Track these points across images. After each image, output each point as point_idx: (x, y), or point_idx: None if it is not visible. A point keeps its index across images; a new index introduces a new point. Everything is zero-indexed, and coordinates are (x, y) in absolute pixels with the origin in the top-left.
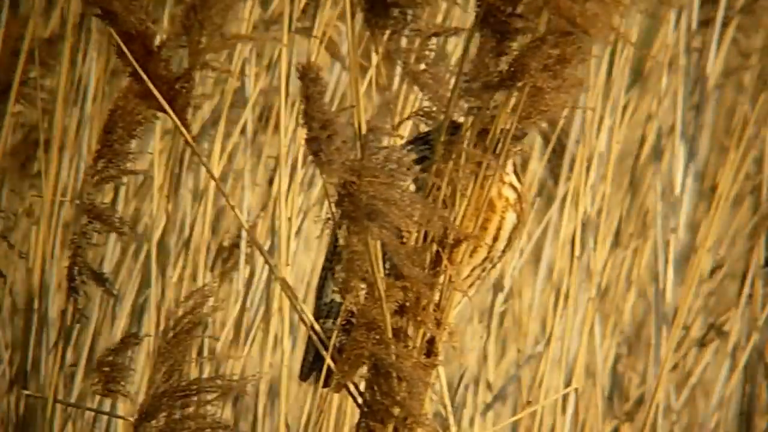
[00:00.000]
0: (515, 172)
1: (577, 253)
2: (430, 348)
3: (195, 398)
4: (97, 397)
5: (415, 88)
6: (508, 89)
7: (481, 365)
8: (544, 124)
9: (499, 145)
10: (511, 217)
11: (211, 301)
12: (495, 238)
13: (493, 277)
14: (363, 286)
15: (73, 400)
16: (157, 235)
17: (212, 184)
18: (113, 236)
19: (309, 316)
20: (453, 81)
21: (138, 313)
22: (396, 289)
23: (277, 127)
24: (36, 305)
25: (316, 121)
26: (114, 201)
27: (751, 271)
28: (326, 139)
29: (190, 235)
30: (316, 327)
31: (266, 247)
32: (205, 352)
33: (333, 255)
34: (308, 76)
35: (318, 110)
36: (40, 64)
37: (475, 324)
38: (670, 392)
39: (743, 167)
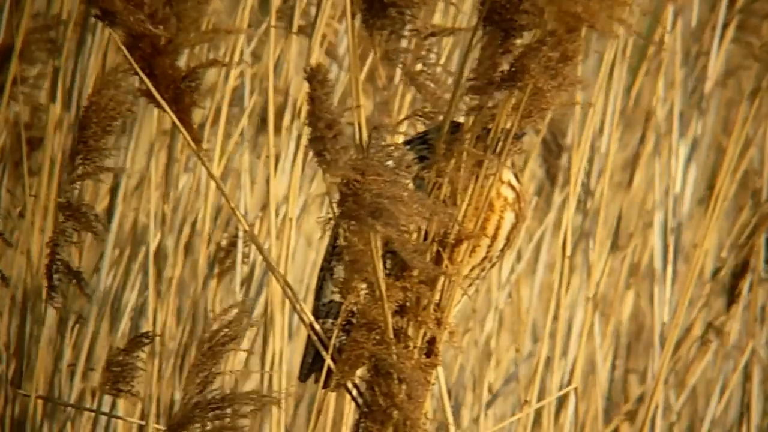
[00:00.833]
0: (514, 172)
1: (572, 253)
2: (430, 348)
3: (228, 410)
4: (96, 398)
5: (413, 87)
6: (510, 89)
7: (480, 365)
8: (541, 126)
9: (500, 145)
10: (509, 217)
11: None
12: (494, 238)
13: (492, 276)
14: (363, 286)
15: (72, 401)
16: (155, 235)
17: (212, 183)
18: (112, 236)
19: (309, 316)
20: (451, 81)
21: (137, 313)
22: (396, 289)
23: (275, 127)
24: (31, 305)
25: (322, 121)
26: (112, 201)
27: (750, 270)
28: (331, 139)
29: (190, 235)
30: (316, 327)
31: (265, 247)
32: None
33: (332, 255)
34: (316, 78)
35: (324, 111)
36: (35, 61)
37: (474, 323)
38: (670, 392)
39: (741, 166)
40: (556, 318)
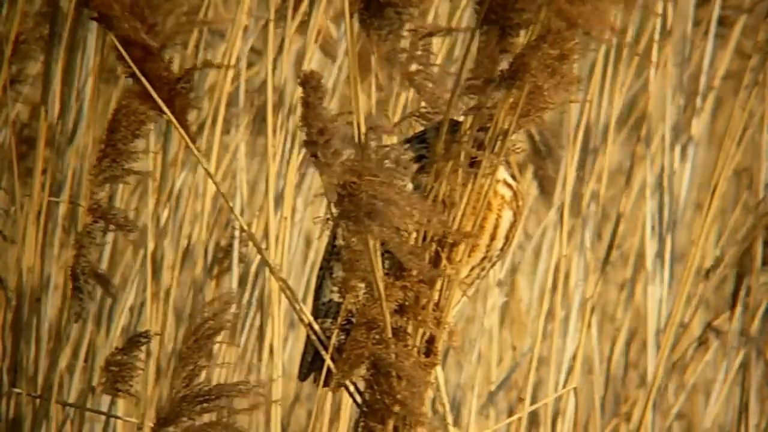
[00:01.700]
0: (510, 170)
1: (569, 252)
2: (429, 347)
3: (214, 404)
4: (94, 397)
5: (410, 87)
6: (509, 87)
7: (479, 364)
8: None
9: (498, 144)
10: (507, 215)
11: (233, 308)
12: (492, 237)
13: (491, 275)
14: (362, 285)
15: (71, 400)
16: (153, 236)
17: (209, 183)
18: (110, 236)
19: (308, 316)
20: (448, 80)
21: (136, 313)
22: (395, 288)
23: (272, 127)
24: (29, 304)
25: (315, 126)
26: (110, 201)
27: (748, 270)
28: (323, 144)
29: (188, 235)
30: (315, 327)
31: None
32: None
33: (331, 255)
34: (310, 83)
35: (317, 116)
36: (30, 60)
37: (473, 323)
38: (669, 392)
39: (732, 162)
40: (553, 318)
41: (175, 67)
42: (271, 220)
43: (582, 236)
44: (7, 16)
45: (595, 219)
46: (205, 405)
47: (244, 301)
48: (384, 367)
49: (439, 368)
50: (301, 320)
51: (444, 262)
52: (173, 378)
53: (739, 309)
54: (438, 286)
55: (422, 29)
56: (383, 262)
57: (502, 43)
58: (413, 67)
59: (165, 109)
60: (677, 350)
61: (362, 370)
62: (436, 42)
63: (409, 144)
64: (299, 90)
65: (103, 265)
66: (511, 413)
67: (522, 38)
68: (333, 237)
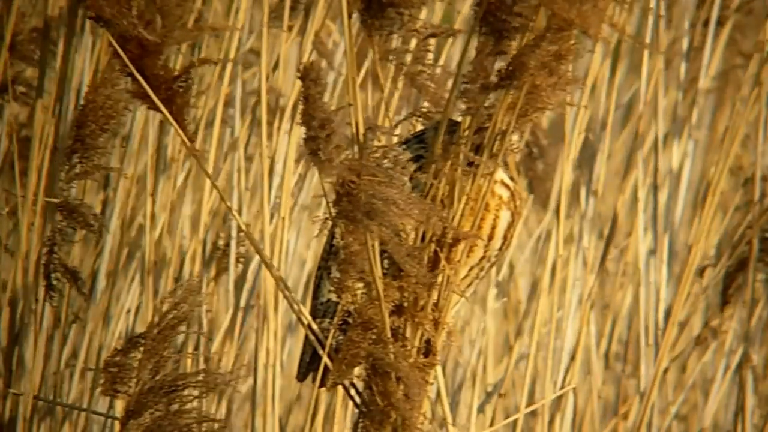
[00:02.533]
0: (508, 170)
1: (566, 252)
2: (428, 347)
3: (182, 394)
4: (92, 398)
5: (407, 86)
6: (507, 88)
7: (479, 364)
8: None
9: (495, 144)
10: (505, 215)
11: (200, 297)
12: (490, 237)
13: (489, 276)
14: (360, 285)
15: (70, 401)
16: (151, 236)
17: (207, 183)
18: (110, 237)
19: (306, 316)
20: (449, 81)
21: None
22: (392, 288)
23: (269, 126)
24: (24, 304)
25: (316, 120)
26: (105, 201)
27: (745, 270)
28: (325, 138)
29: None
30: (314, 326)
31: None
32: (201, 350)
33: (329, 255)
34: (309, 76)
35: (318, 110)
36: (26, 59)
37: (472, 323)
38: (668, 391)
39: (728, 159)
40: (551, 318)
41: (173, 65)
42: (267, 219)
43: (580, 236)
44: (4, 17)
45: (592, 218)
46: (171, 396)
47: (243, 300)
48: (382, 368)
49: (438, 368)
50: (299, 320)
51: (443, 262)
52: (139, 370)
53: (737, 308)
54: (436, 286)
55: (424, 30)
56: (382, 262)
57: (499, 45)
58: (415, 67)
59: (163, 108)
60: (675, 349)
61: (360, 371)
62: (434, 42)
63: (407, 144)
64: (294, 90)
65: (103, 265)
66: (510, 413)
67: (519, 41)
68: (331, 237)
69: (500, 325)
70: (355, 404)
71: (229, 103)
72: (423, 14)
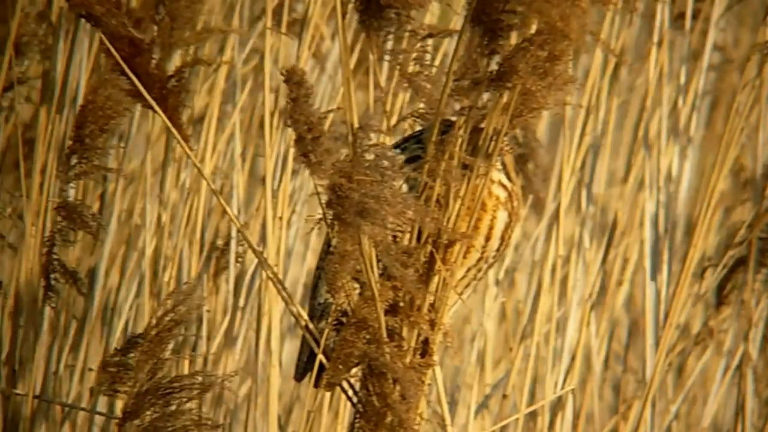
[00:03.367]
0: (506, 171)
1: (566, 252)
2: (425, 348)
3: (178, 396)
4: (92, 398)
5: (406, 86)
6: (499, 89)
7: (477, 364)
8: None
9: (491, 145)
10: (502, 216)
11: (198, 299)
12: (488, 238)
13: (488, 276)
14: (354, 286)
15: (71, 401)
16: (149, 236)
17: (204, 183)
18: (110, 237)
19: (303, 316)
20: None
21: (134, 314)
22: (387, 288)
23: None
24: (26, 304)
25: (302, 123)
26: (102, 201)
27: (744, 270)
28: (313, 141)
29: (185, 235)
30: (311, 327)
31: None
32: (199, 351)
33: (327, 254)
34: (293, 79)
35: (304, 112)
36: (30, 60)
37: (471, 323)
38: (668, 391)
39: (729, 161)
40: (551, 318)
41: (170, 65)
42: (268, 219)
43: (580, 236)
44: (7, 17)
45: (593, 219)
46: (168, 397)
47: (242, 300)
48: (378, 368)
49: (437, 369)
50: (297, 320)
51: (438, 263)
52: (137, 371)
53: (735, 308)
54: (433, 287)
55: (421, 30)
56: (378, 262)
57: (491, 44)
58: (412, 68)
59: (156, 107)
60: (675, 349)
61: (356, 371)
62: (434, 43)
63: (405, 144)
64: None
65: (103, 265)
66: (509, 414)
67: (511, 40)
68: (329, 237)
69: (500, 325)
70: (353, 404)
71: (227, 100)
72: (420, 15)
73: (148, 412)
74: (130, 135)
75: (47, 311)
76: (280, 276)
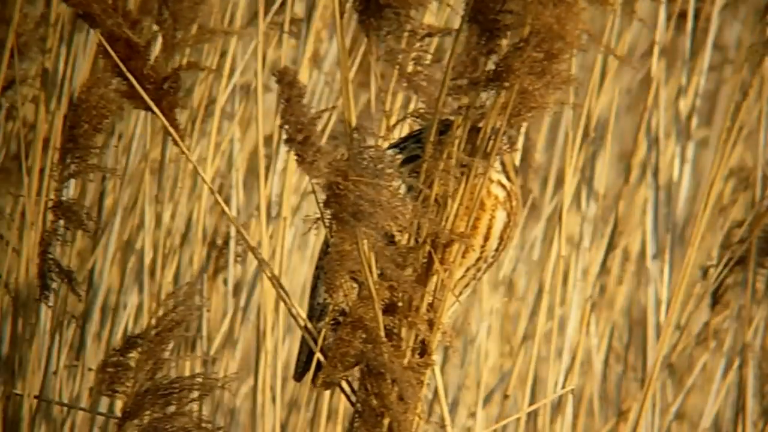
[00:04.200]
0: (505, 170)
1: (566, 252)
2: (424, 348)
3: (178, 396)
4: (92, 398)
5: (405, 86)
6: (496, 89)
7: (478, 364)
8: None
9: (489, 145)
10: (501, 216)
11: (198, 300)
12: (486, 238)
13: (487, 276)
14: (352, 285)
15: (68, 401)
16: (149, 236)
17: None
18: (113, 236)
19: (302, 315)
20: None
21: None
22: (384, 288)
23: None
24: (24, 304)
25: (295, 123)
26: (101, 201)
27: (746, 269)
28: (305, 141)
29: (185, 234)
30: (309, 326)
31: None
32: (199, 351)
33: (325, 254)
34: (285, 80)
35: (296, 113)
36: (30, 60)
37: (472, 323)
38: (667, 391)
39: (729, 161)
40: (551, 318)
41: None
42: (264, 220)
43: (581, 236)
44: (7, 18)
45: (593, 218)
46: (168, 398)
47: (242, 300)
48: (375, 368)
49: (437, 369)
50: (295, 320)
51: (436, 264)
52: (137, 372)
53: (736, 308)
54: (431, 287)
55: (421, 30)
56: (376, 261)
57: (489, 44)
58: (412, 67)
59: (153, 107)
60: (676, 349)
61: (354, 370)
62: (432, 42)
63: (404, 143)
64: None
65: (105, 265)
66: (509, 414)
67: (509, 39)
68: (328, 236)
69: (500, 325)
70: (351, 403)
71: (227, 101)
72: (419, 15)
73: (148, 413)
74: (134, 135)
75: (47, 311)
76: (280, 276)
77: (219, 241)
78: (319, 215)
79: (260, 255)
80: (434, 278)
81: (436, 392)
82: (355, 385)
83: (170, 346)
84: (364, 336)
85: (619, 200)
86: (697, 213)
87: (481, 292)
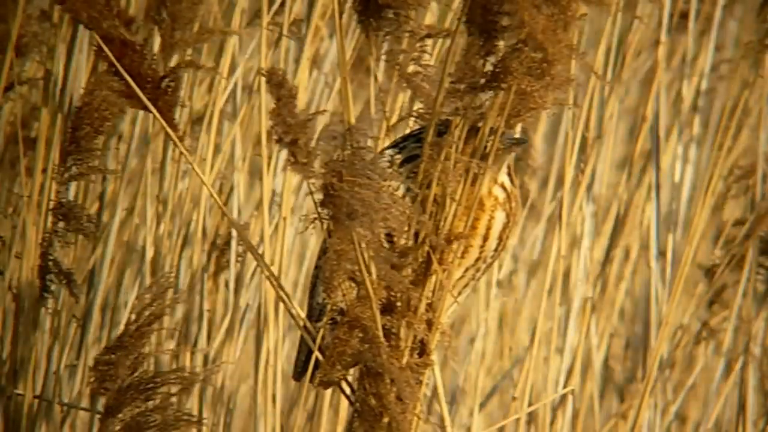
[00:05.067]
0: (509, 172)
1: (566, 252)
2: (422, 348)
3: (160, 391)
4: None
5: (405, 86)
6: (494, 90)
7: (478, 364)
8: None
9: (489, 145)
10: (500, 216)
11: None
12: (485, 238)
13: (487, 275)
14: (353, 285)
15: (69, 401)
16: (149, 236)
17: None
18: (113, 236)
19: (301, 315)
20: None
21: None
22: (382, 288)
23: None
24: (26, 304)
25: (284, 124)
26: (101, 201)
27: (746, 269)
28: (293, 143)
29: (185, 235)
30: (308, 326)
31: (260, 247)
32: (199, 346)
33: (324, 254)
34: (273, 80)
35: (287, 113)
36: (31, 61)
37: (472, 323)
38: (668, 391)
39: (728, 160)
40: (551, 317)
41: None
42: (265, 219)
43: (581, 236)
44: (7, 18)
45: (594, 218)
46: (149, 393)
47: (242, 300)
48: (374, 368)
49: (437, 368)
50: (294, 319)
51: (434, 264)
52: (117, 368)
53: (736, 308)
54: (430, 287)
55: (420, 30)
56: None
57: (487, 45)
58: (411, 68)
59: (151, 107)
60: (675, 350)
61: (352, 370)
62: (431, 43)
63: (404, 143)
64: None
65: (105, 265)
66: (509, 414)
67: (507, 41)
68: (327, 236)
69: (500, 325)
70: (351, 403)
71: (226, 101)
72: (420, 16)
73: (129, 408)
74: (133, 136)
75: (48, 311)
76: (280, 276)
77: (219, 242)
78: (315, 215)
79: (259, 255)
80: (433, 278)
81: (435, 392)
82: (355, 385)
83: (151, 340)
84: (361, 335)
85: (619, 200)
86: (696, 212)
87: (481, 292)
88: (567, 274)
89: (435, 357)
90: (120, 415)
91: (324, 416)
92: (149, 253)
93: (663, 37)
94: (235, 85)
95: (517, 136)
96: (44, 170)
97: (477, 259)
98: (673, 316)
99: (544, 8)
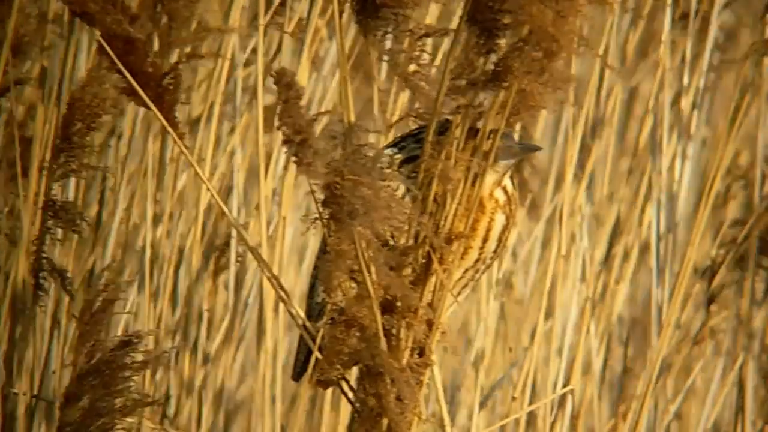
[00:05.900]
0: (511, 175)
1: (567, 251)
2: (422, 348)
3: (120, 375)
4: None
5: (404, 85)
6: (494, 89)
7: (478, 364)
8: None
9: (489, 144)
10: (500, 218)
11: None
12: (485, 239)
13: (487, 275)
14: (353, 285)
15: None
16: (149, 236)
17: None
18: (112, 235)
19: (301, 315)
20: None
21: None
22: (380, 288)
23: (267, 125)
24: (22, 303)
25: (292, 125)
26: (101, 201)
27: (745, 269)
28: (303, 143)
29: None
30: (308, 326)
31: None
32: (199, 347)
33: (324, 254)
34: (282, 81)
35: (293, 115)
36: (26, 59)
37: (471, 323)
38: (667, 392)
39: (727, 160)
40: (551, 317)
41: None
42: (264, 219)
43: (580, 236)
44: (6, 17)
45: (593, 219)
46: (106, 380)
47: (242, 299)
48: (374, 369)
49: (436, 368)
50: (294, 319)
51: (435, 264)
52: (76, 355)
53: (736, 308)
54: (430, 287)
55: (419, 30)
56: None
57: (487, 44)
58: (410, 67)
59: (152, 105)
60: (676, 350)
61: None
62: (431, 42)
63: (403, 143)
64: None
65: (104, 265)
66: (508, 414)
67: (507, 39)
68: (326, 235)
69: (500, 325)
70: (351, 403)
71: (228, 99)
72: (419, 15)
73: (88, 395)
74: (133, 134)
75: (48, 310)
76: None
77: (219, 242)
78: (316, 215)
79: (258, 255)
80: (433, 278)
81: (435, 392)
82: (355, 385)
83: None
84: (358, 334)
85: (619, 200)
86: (695, 212)
87: (481, 292)
88: (566, 274)
89: (435, 357)
90: (80, 404)
91: (324, 416)
92: (148, 253)
93: (664, 37)
94: (235, 85)
95: (530, 143)
96: (40, 168)
97: (476, 260)
98: (673, 316)
99: (549, 2)
